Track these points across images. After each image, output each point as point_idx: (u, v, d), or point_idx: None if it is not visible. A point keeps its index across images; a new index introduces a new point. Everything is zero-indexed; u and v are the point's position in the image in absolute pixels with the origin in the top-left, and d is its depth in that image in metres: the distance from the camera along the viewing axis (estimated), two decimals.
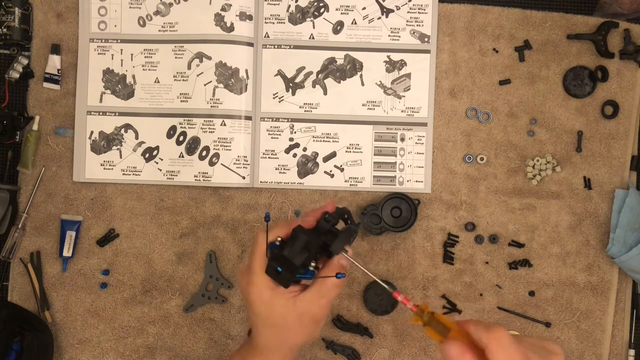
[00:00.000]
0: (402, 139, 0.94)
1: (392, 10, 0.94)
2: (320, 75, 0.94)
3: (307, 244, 0.64)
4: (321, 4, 0.94)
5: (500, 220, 0.93)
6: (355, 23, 0.94)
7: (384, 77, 0.94)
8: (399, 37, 0.94)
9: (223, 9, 0.92)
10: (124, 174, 0.93)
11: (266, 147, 0.94)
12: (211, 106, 0.92)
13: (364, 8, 0.94)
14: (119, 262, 0.93)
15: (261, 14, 0.94)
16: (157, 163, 0.93)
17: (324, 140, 0.94)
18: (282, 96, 0.94)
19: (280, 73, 0.94)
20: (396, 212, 0.91)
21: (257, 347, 0.68)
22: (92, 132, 0.93)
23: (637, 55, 0.93)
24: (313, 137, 0.94)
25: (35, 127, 0.92)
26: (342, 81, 0.94)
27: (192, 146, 0.92)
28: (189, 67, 0.92)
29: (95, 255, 0.93)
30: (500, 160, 0.94)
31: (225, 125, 0.92)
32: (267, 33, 0.93)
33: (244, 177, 0.93)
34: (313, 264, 0.65)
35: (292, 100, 0.94)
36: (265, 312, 0.66)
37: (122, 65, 0.93)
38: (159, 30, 0.93)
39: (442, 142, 0.94)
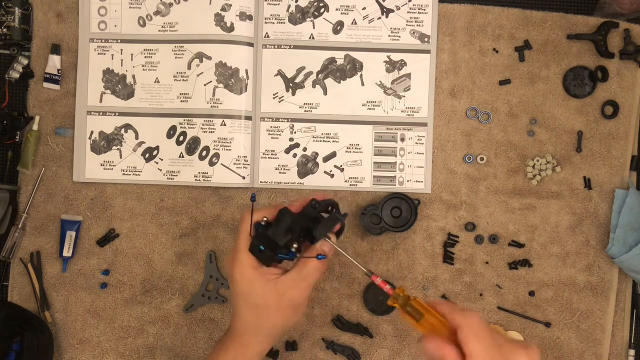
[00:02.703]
0: (402, 139, 0.94)
1: (392, 10, 0.94)
2: (320, 75, 0.94)
3: (291, 225, 0.66)
4: (321, 4, 0.94)
5: (500, 220, 0.93)
6: (355, 23, 0.94)
7: (384, 77, 0.94)
8: (399, 37, 0.94)
9: (223, 9, 0.92)
10: (124, 174, 0.93)
11: (266, 147, 0.94)
12: (211, 106, 0.92)
13: (364, 8, 0.94)
14: (119, 262, 0.93)
15: (261, 14, 0.94)
16: (157, 163, 0.93)
17: (324, 140, 0.94)
18: (282, 96, 0.94)
19: (280, 73, 0.94)
20: (396, 212, 0.91)
21: (235, 332, 0.70)
22: (92, 132, 0.93)
23: (637, 55, 0.93)
24: (313, 137, 0.94)
25: (35, 127, 0.92)
26: (342, 81, 0.94)
27: (192, 146, 0.92)
28: (189, 67, 0.92)
29: (95, 255, 0.93)
30: (500, 160, 0.94)
31: (225, 125, 0.92)
32: (267, 33, 0.93)
33: (244, 177, 0.93)
34: (295, 246, 0.67)
35: (292, 100, 0.94)
36: (247, 290, 0.67)
37: (122, 65, 0.93)
38: (159, 30, 0.93)
39: (442, 142, 0.94)
